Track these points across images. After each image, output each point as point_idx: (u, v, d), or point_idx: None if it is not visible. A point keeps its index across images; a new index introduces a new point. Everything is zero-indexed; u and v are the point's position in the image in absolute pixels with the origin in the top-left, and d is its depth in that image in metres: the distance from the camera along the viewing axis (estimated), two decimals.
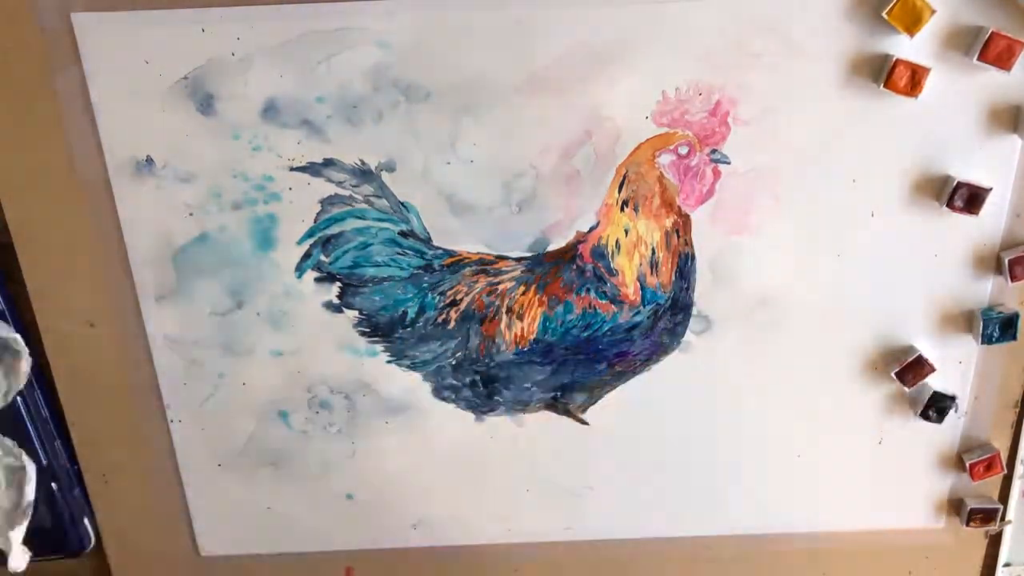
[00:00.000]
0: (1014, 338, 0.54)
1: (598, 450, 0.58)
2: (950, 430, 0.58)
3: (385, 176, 0.51)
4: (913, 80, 0.48)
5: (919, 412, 0.56)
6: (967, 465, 0.58)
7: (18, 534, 0.55)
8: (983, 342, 0.54)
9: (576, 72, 0.49)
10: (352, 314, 0.54)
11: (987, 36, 0.47)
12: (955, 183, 0.50)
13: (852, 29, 0.48)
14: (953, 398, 0.56)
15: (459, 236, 0.53)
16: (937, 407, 0.56)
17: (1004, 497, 0.60)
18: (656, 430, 0.58)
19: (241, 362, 0.56)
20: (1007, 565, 0.62)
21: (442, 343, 0.55)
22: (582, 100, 0.50)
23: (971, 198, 0.51)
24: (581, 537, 0.61)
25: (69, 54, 0.48)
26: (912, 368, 0.55)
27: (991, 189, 0.51)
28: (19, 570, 0.55)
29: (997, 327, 0.54)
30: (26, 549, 0.56)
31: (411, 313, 0.54)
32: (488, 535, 0.61)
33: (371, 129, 0.50)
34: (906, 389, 0.55)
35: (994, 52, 0.47)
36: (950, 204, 0.51)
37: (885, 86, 0.48)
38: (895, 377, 0.55)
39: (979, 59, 0.47)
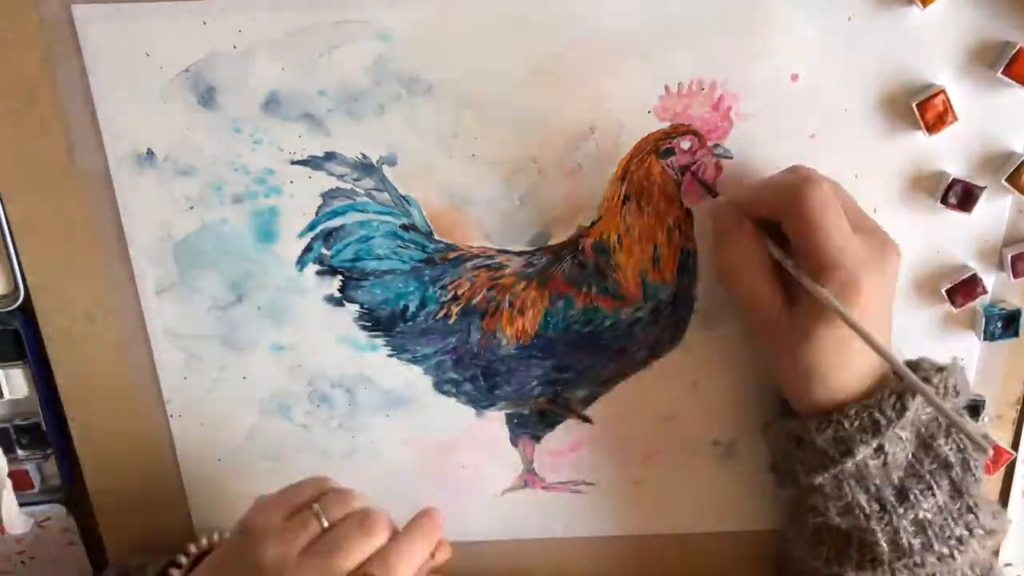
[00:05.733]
0: (1016, 335, 0.54)
1: (599, 446, 0.58)
2: None
3: (386, 169, 0.51)
4: None
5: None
6: None
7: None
8: (985, 339, 0.54)
9: (578, 66, 0.49)
10: (353, 308, 0.54)
11: (1014, 51, 0.47)
12: (950, 179, 0.50)
13: (856, 24, 0.48)
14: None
15: (460, 230, 0.53)
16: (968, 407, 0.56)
17: (1004, 497, 0.60)
18: (657, 426, 0.58)
19: (242, 356, 0.56)
20: (1008, 565, 0.62)
21: (443, 337, 0.55)
22: (584, 94, 0.49)
23: (965, 195, 0.51)
24: (582, 534, 0.61)
25: (69, 46, 0.48)
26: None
27: (985, 187, 0.51)
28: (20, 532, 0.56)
29: (999, 324, 0.54)
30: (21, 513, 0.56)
31: (412, 307, 0.54)
32: (488, 532, 0.61)
33: (372, 122, 0.50)
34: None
35: (1020, 67, 0.47)
36: (944, 201, 0.51)
37: (1004, 73, 0.48)
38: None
39: (1003, 73, 0.47)
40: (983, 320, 0.54)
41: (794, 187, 0.45)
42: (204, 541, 0.54)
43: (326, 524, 0.46)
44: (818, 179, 0.45)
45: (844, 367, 0.47)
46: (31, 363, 0.55)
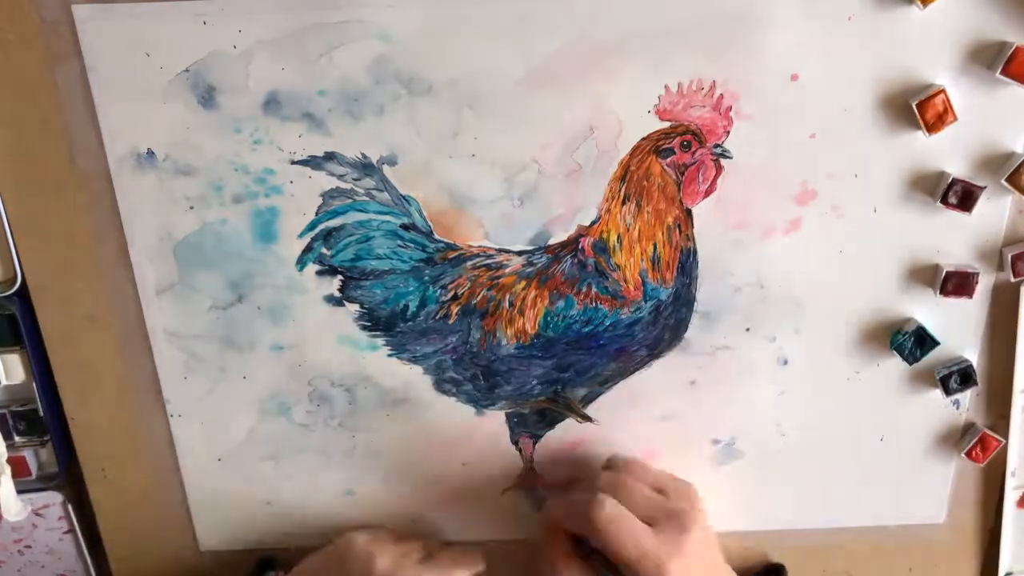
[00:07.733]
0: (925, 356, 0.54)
1: (599, 446, 0.58)
2: (951, 427, 0.58)
3: (386, 169, 0.51)
4: None
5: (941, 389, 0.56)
6: (963, 455, 0.58)
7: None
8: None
9: (578, 65, 0.49)
10: (353, 308, 0.54)
11: (1011, 51, 0.47)
12: (950, 179, 0.50)
13: (856, 24, 0.48)
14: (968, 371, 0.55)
15: (460, 229, 0.53)
16: (960, 373, 0.56)
17: (1003, 497, 0.60)
18: (657, 426, 0.58)
19: (242, 356, 0.56)
20: (1008, 574, 0.62)
21: (443, 337, 0.55)
22: (584, 94, 0.49)
23: (965, 195, 0.51)
24: None
25: (70, 46, 0.48)
26: None
27: (985, 187, 0.51)
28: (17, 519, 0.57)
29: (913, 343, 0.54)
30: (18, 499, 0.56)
31: (412, 307, 0.54)
32: (488, 531, 0.61)
33: (372, 122, 0.50)
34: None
35: (1017, 66, 0.47)
36: (944, 201, 0.51)
37: (1002, 73, 0.48)
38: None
39: (1002, 73, 0.47)
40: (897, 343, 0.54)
41: (583, 511, 0.50)
42: None
43: None
44: (601, 499, 0.50)
45: None
46: (28, 348, 0.55)
